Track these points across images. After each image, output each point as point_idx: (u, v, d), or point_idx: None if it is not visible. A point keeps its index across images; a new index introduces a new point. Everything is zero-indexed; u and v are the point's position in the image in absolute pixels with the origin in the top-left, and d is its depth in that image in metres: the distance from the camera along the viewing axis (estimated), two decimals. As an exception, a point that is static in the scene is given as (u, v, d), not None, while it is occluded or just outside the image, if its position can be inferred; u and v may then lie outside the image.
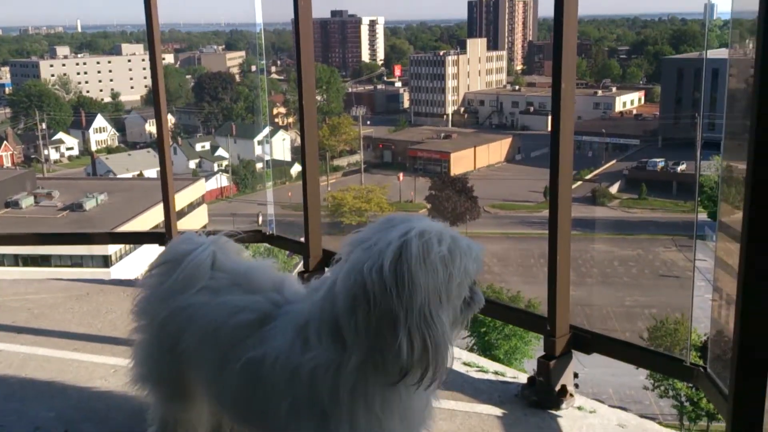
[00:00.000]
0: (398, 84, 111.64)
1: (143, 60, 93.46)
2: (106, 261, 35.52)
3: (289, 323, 2.25)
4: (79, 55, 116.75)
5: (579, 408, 3.52)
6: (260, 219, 48.26)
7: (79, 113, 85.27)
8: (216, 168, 69.40)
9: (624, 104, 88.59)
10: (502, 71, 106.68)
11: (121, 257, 36.18)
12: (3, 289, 5.44)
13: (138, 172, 62.59)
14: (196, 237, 2.78)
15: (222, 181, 65.81)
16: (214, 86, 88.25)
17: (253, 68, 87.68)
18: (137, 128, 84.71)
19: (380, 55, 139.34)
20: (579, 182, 57.75)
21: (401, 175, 65.36)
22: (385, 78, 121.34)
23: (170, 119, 73.24)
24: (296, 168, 57.09)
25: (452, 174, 63.08)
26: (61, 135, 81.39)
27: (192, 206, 43.54)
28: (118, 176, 61.33)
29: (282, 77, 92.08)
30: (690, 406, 26.96)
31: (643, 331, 32.19)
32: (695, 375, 3.32)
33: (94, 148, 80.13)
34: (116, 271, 33.91)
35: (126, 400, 3.53)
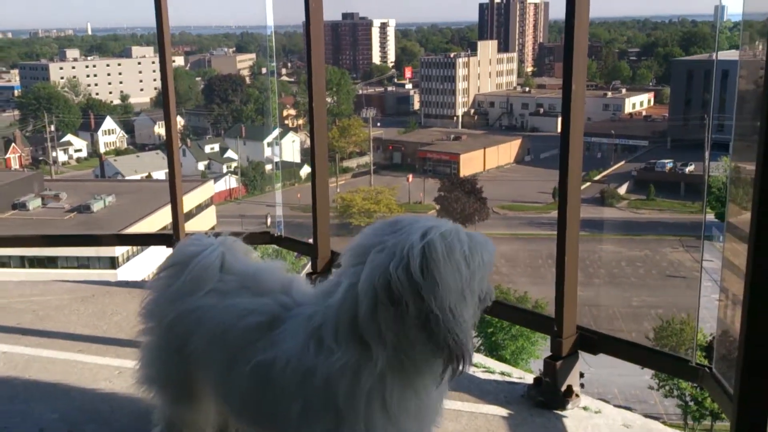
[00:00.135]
0: (409, 86, 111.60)
1: (153, 62, 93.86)
2: (113, 263, 35.65)
3: (300, 326, 2.24)
4: (88, 58, 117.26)
5: (584, 408, 3.51)
6: (269, 220, 48.36)
7: (88, 115, 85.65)
8: (225, 170, 69.58)
9: (633, 106, 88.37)
10: (512, 73, 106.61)
11: (128, 259, 36.30)
12: (8, 290, 5.45)
13: (146, 174, 62.81)
14: (205, 238, 2.79)
15: (231, 182, 65.97)
16: (224, 88, 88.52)
17: (264, 70, 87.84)
18: (146, 130, 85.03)
19: (391, 57, 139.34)
20: (588, 183, 57.61)
21: (411, 176, 65.36)
22: (396, 80, 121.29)
23: (180, 121, 73.49)
24: (305, 169, 57.17)
25: (462, 175, 63.03)
26: (69, 137, 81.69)
27: (201, 208, 43.66)
28: (127, 178, 61.55)
29: (292, 79, 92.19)
30: (694, 406, 26.95)
31: (650, 331, 32.14)
32: (700, 375, 3.31)
33: (102, 150, 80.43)
34: (123, 273, 34.00)
35: (130, 401, 3.53)
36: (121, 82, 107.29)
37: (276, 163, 72.43)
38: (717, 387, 3.14)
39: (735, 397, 2.73)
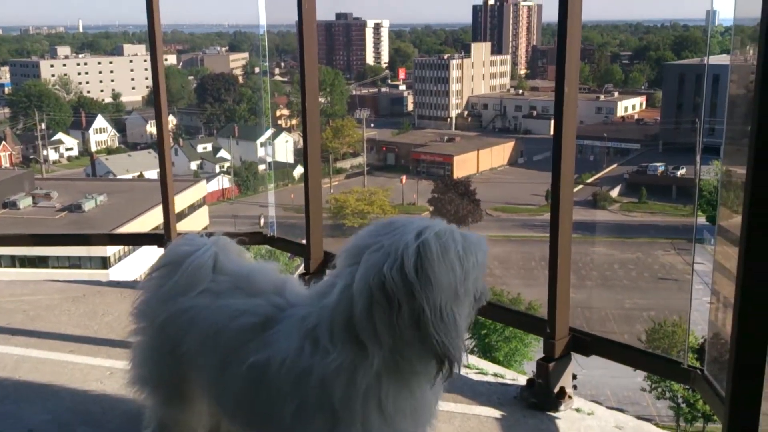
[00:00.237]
0: (402, 87, 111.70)
1: (145, 60, 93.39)
2: (104, 262, 35.48)
3: (294, 326, 2.24)
4: (80, 55, 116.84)
5: (577, 410, 3.52)
6: (262, 221, 48.26)
7: (79, 113, 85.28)
8: (218, 169, 69.41)
9: (626, 109, 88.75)
10: (505, 75, 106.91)
11: (120, 259, 36.15)
12: (-1, 290, 5.42)
13: (138, 173, 62.58)
14: (198, 239, 2.77)
15: (224, 182, 65.81)
16: (216, 87, 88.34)
17: (257, 70, 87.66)
18: (138, 129, 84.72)
19: (385, 58, 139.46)
20: (580, 186, 57.76)
21: (404, 177, 65.38)
22: (390, 81, 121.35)
23: (172, 120, 73.33)
24: (299, 170, 57.08)
25: (455, 177, 63.13)
26: (60, 135, 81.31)
27: (193, 208, 43.52)
28: (118, 177, 61.30)
29: (286, 79, 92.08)
30: (686, 408, 27.05)
31: (642, 333, 32.25)
32: (692, 377, 3.32)
33: (93, 148, 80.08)
34: (115, 273, 33.85)
35: (122, 402, 3.52)
36: (112, 81, 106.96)
37: (269, 163, 72.33)
38: (709, 389, 3.15)
39: (727, 399, 2.74)
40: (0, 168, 65.26)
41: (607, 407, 3.66)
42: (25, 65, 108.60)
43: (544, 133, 73.70)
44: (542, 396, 3.53)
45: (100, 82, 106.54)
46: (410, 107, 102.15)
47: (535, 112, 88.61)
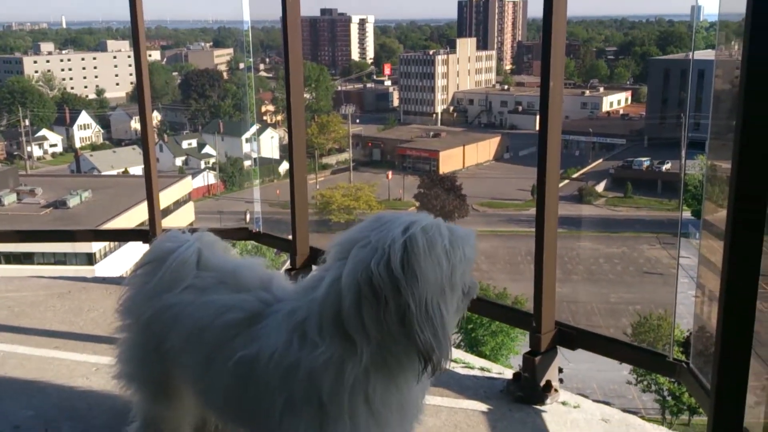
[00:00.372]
0: (388, 83, 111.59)
1: (129, 56, 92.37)
2: (90, 259, 35.27)
3: (283, 321, 2.23)
4: (63, 52, 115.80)
5: (563, 403, 3.53)
6: (248, 217, 48.11)
7: (63, 110, 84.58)
8: (203, 165, 69.08)
9: (611, 104, 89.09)
10: (491, 71, 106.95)
11: (105, 255, 35.93)
12: (-17, 286, 5.37)
13: (123, 169, 62.18)
14: (180, 235, 2.77)
15: (209, 178, 65.51)
16: (201, 83, 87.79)
17: (241, 66, 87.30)
18: (122, 125, 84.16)
19: (370, 53, 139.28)
20: (566, 181, 58.00)
21: (390, 173, 65.37)
22: (375, 77, 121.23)
23: (156, 116, 72.88)
24: (284, 166, 56.89)
25: (441, 172, 63.20)
26: (44, 132, 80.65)
27: (179, 204, 43.29)
28: (103, 173, 60.88)
29: (271, 75, 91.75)
30: (672, 401, 27.27)
31: (627, 327, 32.47)
32: (678, 370, 3.34)
33: (78, 145, 79.49)
34: (100, 269, 33.67)
35: (108, 398, 3.50)
36: (96, 77, 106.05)
37: (254, 159, 72.09)
38: (694, 382, 3.17)
39: (712, 392, 2.76)
40: (-17, 164, 64.62)
41: (593, 400, 3.69)
42: (8, 61, 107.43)
43: (529, 128, 73.93)
44: (528, 389, 3.55)
45: (84, 78, 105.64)
46: (396, 103, 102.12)
47: (520, 108, 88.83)
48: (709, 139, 3.29)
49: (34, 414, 3.45)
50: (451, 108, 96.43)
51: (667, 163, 61.63)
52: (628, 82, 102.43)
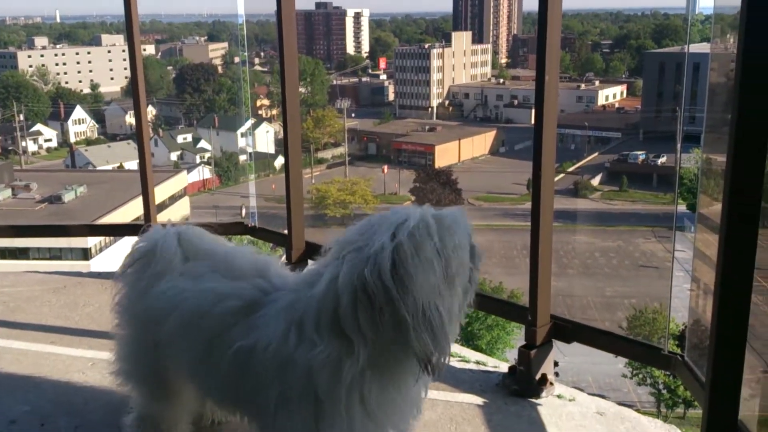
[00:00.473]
0: (383, 77, 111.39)
1: (123, 51, 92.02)
2: (85, 254, 35.21)
3: (281, 312, 2.23)
4: (57, 46, 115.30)
5: (559, 396, 3.54)
6: (243, 211, 48.01)
7: (57, 104, 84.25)
8: (198, 160, 68.93)
9: (606, 98, 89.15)
10: (486, 64, 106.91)
11: (101, 250, 35.87)
12: (-21, 282, 5.35)
13: (118, 164, 62.03)
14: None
15: (204, 173, 65.39)
16: (196, 78, 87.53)
17: (236, 60, 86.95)
18: (117, 120, 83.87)
19: (365, 47, 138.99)
20: (561, 174, 58.05)
21: (386, 167, 65.32)
22: (370, 70, 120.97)
23: (151, 111, 72.58)
24: (280, 160, 56.73)
25: (437, 166, 63.18)
26: (39, 126, 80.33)
27: (174, 198, 43.24)
28: (98, 168, 60.72)
29: (266, 69, 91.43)
30: (667, 394, 27.34)
31: (623, 320, 32.53)
32: (673, 363, 3.36)
33: (73, 139, 79.23)
34: (96, 264, 33.61)
35: (104, 393, 3.50)
36: (90, 71, 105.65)
37: (250, 153, 71.92)
38: (689, 375, 3.18)
39: (707, 385, 2.77)
40: (-23, 160, 64.35)
41: (589, 393, 3.69)
42: (2, 56, 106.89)
43: (525, 122, 73.87)
44: (524, 383, 3.56)
45: (79, 72, 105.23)
46: (391, 97, 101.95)
47: (516, 102, 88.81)
48: (704, 133, 3.29)
49: (30, 409, 3.45)
50: (447, 102, 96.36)
51: (663, 156, 61.71)
52: (623, 76, 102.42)
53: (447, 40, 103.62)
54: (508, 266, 40.66)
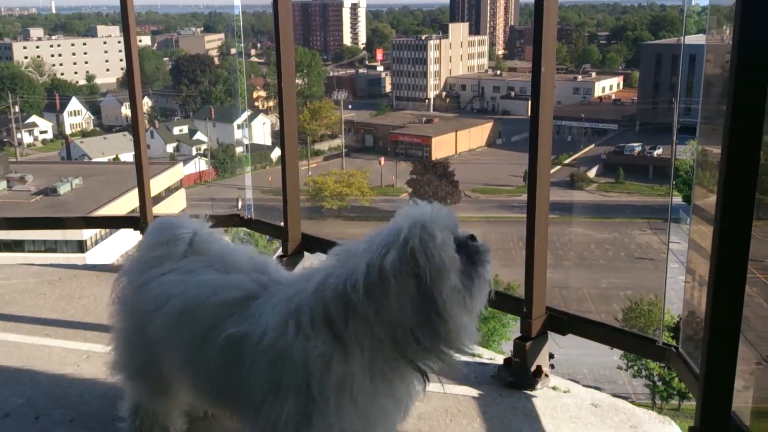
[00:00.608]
0: (380, 68, 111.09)
1: (119, 42, 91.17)
2: (81, 246, 35.16)
3: (279, 304, 2.24)
4: (53, 37, 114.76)
5: (554, 388, 3.55)
6: (239, 203, 47.98)
7: (53, 96, 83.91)
8: (194, 152, 68.77)
9: (603, 89, 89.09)
10: (483, 56, 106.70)
11: (96, 242, 35.82)
12: (-26, 274, 5.34)
13: (114, 156, 61.85)
14: (182, 219, 2.79)
15: (201, 165, 65.25)
16: (192, 69, 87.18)
17: (233, 51, 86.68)
18: (113, 111, 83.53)
19: (362, 38, 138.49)
20: (558, 166, 58.09)
21: (383, 159, 65.25)
22: (367, 62, 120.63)
23: (147, 102, 72.41)
24: (276, 152, 56.67)
25: (433, 158, 63.13)
26: (34, 118, 79.99)
27: (170, 191, 43.17)
28: (94, 160, 60.55)
29: (262, 60, 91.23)
30: (662, 385, 27.46)
31: (618, 312, 32.62)
32: (667, 355, 3.36)
33: (68, 131, 78.95)
34: (91, 257, 33.59)
35: (99, 386, 3.50)
36: (86, 62, 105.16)
37: (246, 145, 71.78)
38: (683, 367, 3.19)
39: (701, 377, 2.78)
40: (-28, 151, 64.11)
41: (584, 385, 3.70)
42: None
43: (522, 113, 73.82)
44: (519, 375, 3.57)
45: (74, 63, 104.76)
46: (388, 88, 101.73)
47: (513, 93, 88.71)
48: (700, 124, 3.29)
49: (24, 402, 3.45)
50: (444, 93, 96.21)
51: (659, 148, 61.76)
52: (620, 67, 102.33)
53: (444, 32, 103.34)
54: (505, 258, 40.67)
